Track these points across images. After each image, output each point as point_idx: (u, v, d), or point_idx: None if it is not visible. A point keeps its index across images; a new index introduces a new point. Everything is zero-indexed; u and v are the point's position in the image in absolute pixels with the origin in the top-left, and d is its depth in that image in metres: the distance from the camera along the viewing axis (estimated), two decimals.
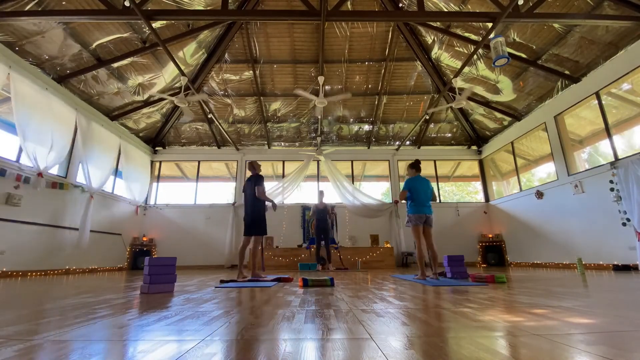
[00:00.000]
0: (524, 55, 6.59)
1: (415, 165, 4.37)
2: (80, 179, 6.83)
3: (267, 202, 4.55)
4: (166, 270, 2.87)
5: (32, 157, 5.43)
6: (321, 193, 7.28)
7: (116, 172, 8.32)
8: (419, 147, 10.15)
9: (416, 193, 4.16)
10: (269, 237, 8.57)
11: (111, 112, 7.71)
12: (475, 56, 7.07)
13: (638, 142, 5.84)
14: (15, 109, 5.21)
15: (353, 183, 9.85)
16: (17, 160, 5.53)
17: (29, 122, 5.41)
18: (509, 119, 8.35)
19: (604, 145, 6.26)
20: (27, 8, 4.95)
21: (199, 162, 9.95)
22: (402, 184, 10.13)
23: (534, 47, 6.33)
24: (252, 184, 4.50)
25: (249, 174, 4.76)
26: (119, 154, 8.09)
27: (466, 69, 7.51)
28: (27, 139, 5.34)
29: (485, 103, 8.33)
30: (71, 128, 6.45)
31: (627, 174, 5.16)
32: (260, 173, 4.67)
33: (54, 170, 6.41)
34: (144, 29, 6.27)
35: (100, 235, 7.42)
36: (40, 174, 5.65)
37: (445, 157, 10.14)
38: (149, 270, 2.78)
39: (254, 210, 4.45)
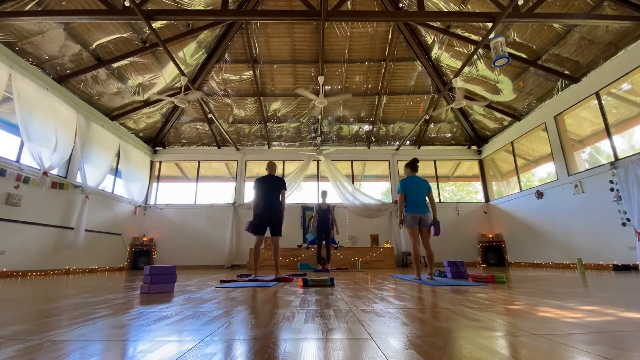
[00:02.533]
0: (524, 55, 6.59)
1: (411, 164, 4.30)
2: (80, 179, 6.83)
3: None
4: (166, 270, 2.87)
5: (36, 156, 5.44)
6: (324, 193, 7.17)
7: (116, 172, 8.32)
8: (419, 147, 10.16)
9: (409, 193, 4.12)
10: (268, 237, 8.58)
11: (111, 112, 7.71)
12: (475, 56, 7.08)
13: (638, 142, 5.84)
14: (18, 109, 5.20)
15: (353, 183, 9.85)
16: (18, 160, 5.53)
17: (32, 122, 5.41)
18: (509, 119, 8.35)
19: (604, 145, 6.26)
20: (27, 8, 4.95)
21: (199, 162, 9.95)
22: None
23: (534, 47, 6.33)
24: (279, 186, 4.60)
25: (264, 172, 4.85)
26: (119, 154, 8.09)
27: (466, 69, 7.51)
28: (30, 139, 5.34)
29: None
30: (73, 128, 6.45)
31: (627, 174, 5.16)
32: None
33: (54, 170, 6.41)
34: (144, 29, 6.27)
35: (100, 235, 7.43)
36: (45, 173, 5.68)
37: (445, 157, 10.14)
38: (150, 271, 2.78)
39: (279, 210, 4.55)
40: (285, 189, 4.67)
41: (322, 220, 6.91)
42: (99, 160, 7.20)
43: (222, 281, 3.84)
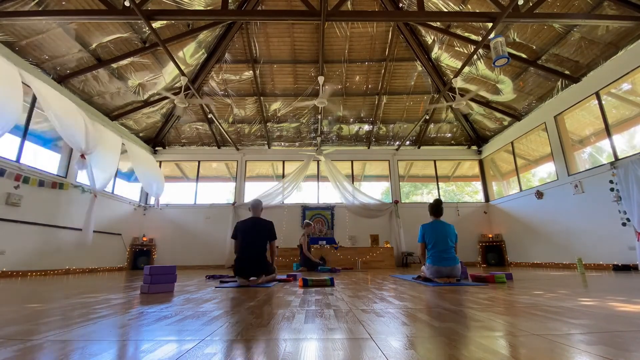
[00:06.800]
0: (524, 55, 6.59)
1: (434, 208, 3.61)
2: (80, 179, 6.82)
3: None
4: (166, 271, 2.87)
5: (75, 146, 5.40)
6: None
7: (116, 173, 8.30)
8: (419, 147, 10.15)
9: (434, 241, 3.43)
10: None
11: (111, 112, 7.71)
12: (475, 56, 7.07)
13: (638, 142, 5.85)
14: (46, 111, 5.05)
15: (353, 183, 9.85)
16: (17, 160, 5.53)
17: (62, 121, 5.26)
18: (509, 119, 8.35)
19: (604, 145, 6.26)
20: (27, 8, 4.95)
21: (199, 162, 9.95)
22: (402, 184, 10.22)
23: (534, 47, 6.33)
24: (266, 235, 3.63)
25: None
26: (120, 154, 8.05)
27: (466, 69, 7.51)
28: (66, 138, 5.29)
29: (485, 103, 8.33)
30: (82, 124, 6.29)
31: (627, 174, 5.16)
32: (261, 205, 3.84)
33: (54, 170, 6.41)
34: (144, 29, 6.27)
35: (101, 235, 7.42)
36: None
37: (445, 157, 10.14)
38: (150, 271, 2.78)
39: (265, 264, 3.58)
40: (275, 238, 3.69)
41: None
42: (105, 161, 7.13)
43: (222, 281, 3.84)
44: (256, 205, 3.80)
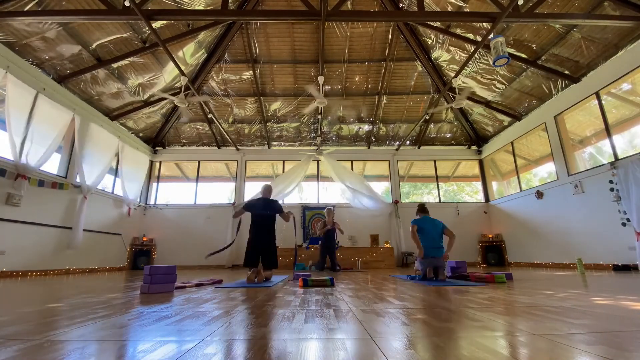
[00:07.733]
0: (524, 55, 6.59)
1: (421, 208, 4.10)
2: (80, 179, 6.82)
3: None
4: (166, 271, 2.87)
5: (21, 158, 5.36)
6: (329, 211, 7.01)
7: (116, 172, 8.31)
8: (419, 147, 10.15)
9: (424, 233, 3.82)
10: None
11: (111, 112, 7.70)
12: (475, 56, 7.07)
13: (638, 142, 5.85)
14: (8, 110, 5.16)
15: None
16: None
17: (21, 124, 5.37)
18: (509, 119, 8.35)
19: (604, 145, 6.26)
20: (27, 8, 4.95)
21: (199, 162, 9.94)
22: (402, 184, 10.22)
23: (534, 47, 6.33)
24: (274, 210, 4.12)
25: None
26: (118, 153, 8.07)
27: (466, 69, 7.51)
28: (16, 140, 5.29)
29: (485, 103, 8.33)
30: (64, 130, 6.31)
31: (627, 174, 5.16)
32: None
33: (54, 170, 6.41)
34: (144, 29, 6.27)
35: (100, 235, 7.42)
36: (23, 176, 5.40)
37: (445, 157, 10.14)
38: (150, 271, 2.78)
39: (273, 241, 4.09)
40: (282, 211, 4.23)
41: (327, 239, 6.79)
42: (97, 160, 7.18)
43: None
44: (267, 190, 4.39)
